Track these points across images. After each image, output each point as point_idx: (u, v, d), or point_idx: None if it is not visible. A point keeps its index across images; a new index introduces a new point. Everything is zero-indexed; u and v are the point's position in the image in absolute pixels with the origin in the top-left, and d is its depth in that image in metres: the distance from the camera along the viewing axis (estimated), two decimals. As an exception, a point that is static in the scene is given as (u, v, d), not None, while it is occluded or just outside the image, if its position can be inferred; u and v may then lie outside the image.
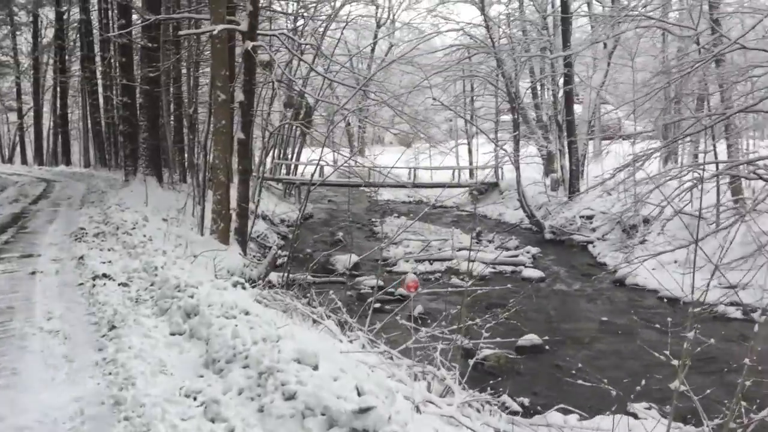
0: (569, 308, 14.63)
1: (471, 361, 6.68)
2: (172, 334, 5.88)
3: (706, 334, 12.22)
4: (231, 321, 5.45)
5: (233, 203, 13.78)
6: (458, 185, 33.52)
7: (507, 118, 37.96)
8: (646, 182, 14.25)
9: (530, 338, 11.56)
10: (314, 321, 8.13)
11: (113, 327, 6.04)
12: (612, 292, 16.04)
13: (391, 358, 6.07)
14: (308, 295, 8.74)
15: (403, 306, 9.33)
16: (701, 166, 14.69)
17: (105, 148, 34.08)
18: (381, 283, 16.76)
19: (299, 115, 22.13)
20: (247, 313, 5.79)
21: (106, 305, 6.85)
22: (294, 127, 29.10)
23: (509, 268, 18.35)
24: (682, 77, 12.29)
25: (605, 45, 24.35)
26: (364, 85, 12.41)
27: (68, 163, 38.59)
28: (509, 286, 11.26)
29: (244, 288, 7.72)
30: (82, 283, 8.15)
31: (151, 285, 7.60)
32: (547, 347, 11.50)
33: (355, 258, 18.54)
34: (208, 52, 24.73)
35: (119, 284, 7.86)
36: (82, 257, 9.64)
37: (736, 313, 13.64)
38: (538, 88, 32.30)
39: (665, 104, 13.77)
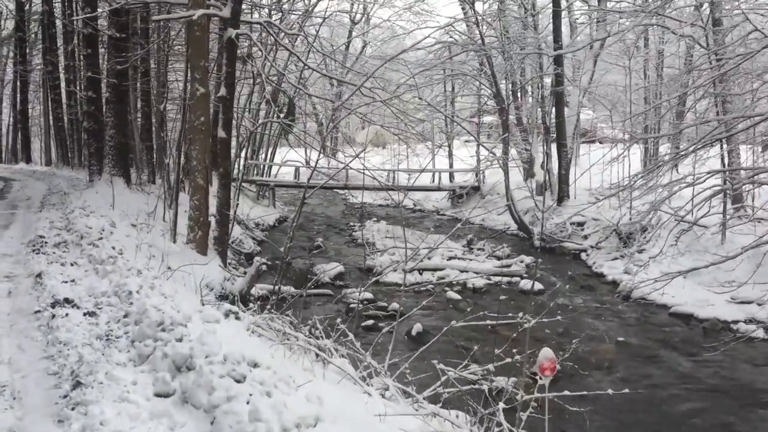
0: (579, 326, 13.45)
1: (524, 415, 5.45)
2: (158, 396, 4.51)
3: (733, 358, 11.10)
4: (242, 387, 4.10)
5: (212, 209, 12.41)
6: (438, 188, 32.41)
7: (488, 119, 37.04)
8: (661, 190, 13.20)
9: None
10: (318, 354, 6.84)
11: (78, 383, 4.64)
12: (619, 307, 14.96)
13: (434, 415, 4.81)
14: (309, 322, 7.42)
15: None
16: (719, 174, 13.71)
17: (67, 145, 32.39)
18: (369, 295, 15.61)
19: (281, 112, 20.73)
20: (255, 365, 4.48)
21: (69, 346, 5.45)
22: (270, 126, 27.65)
23: (505, 279, 17.21)
24: (721, 75, 11.23)
25: (591, 46, 23.34)
26: (365, 82, 11.23)
27: (28, 160, 36.77)
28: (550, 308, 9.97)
29: (237, 318, 6.39)
30: (39, 311, 6.70)
31: (125, 316, 6.19)
32: (565, 373, 10.34)
33: (340, 268, 17.32)
34: (179, 45, 23.41)
35: (85, 314, 6.44)
36: (40, 274, 8.17)
37: (757, 332, 12.65)
38: (518, 89, 31.31)
39: (693, 108, 12.67)
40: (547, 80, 28.45)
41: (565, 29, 32.77)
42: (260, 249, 21.25)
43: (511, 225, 25.80)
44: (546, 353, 4.36)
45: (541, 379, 4.64)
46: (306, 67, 18.53)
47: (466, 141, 37.75)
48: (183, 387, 4.36)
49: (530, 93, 31.74)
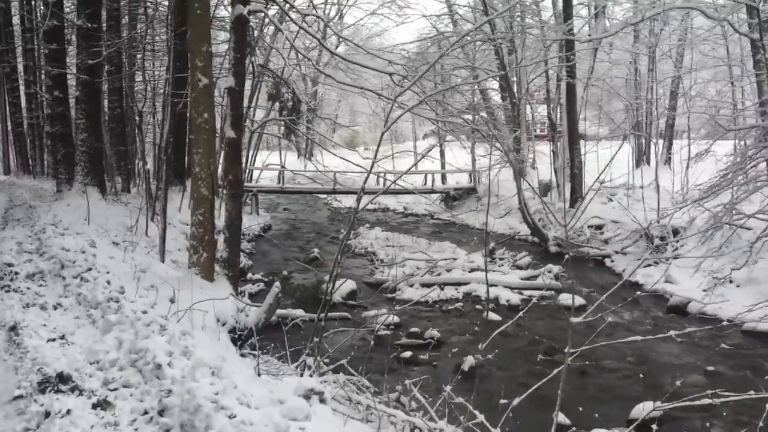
0: (648, 352, 11.54)
1: None
2: None
3: None
4: None
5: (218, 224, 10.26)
6: (432, 191, 30.49)
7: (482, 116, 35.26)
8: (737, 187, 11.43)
9: (644, 408, 8.44)
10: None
11: None
12: (677, 324, 13.08)
13: None
14: (398, 387, 5.37)
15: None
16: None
17: (28, 152, 29.95)
18: (395, 319, 13.44)
19: (282, 110, 18.55)
20: None
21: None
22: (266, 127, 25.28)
23: (537, 293, 15.26)
24: None
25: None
26: (418, 79, 9.34)
27: (-16, 170, 34.09)
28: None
29: (322, 400, 4.33)
30: (21, 396, 4.50)
31: (161, 413, 3.95)
32: (665, 418, 8.36)
33: (352, 285, 15.18)
34: (150, 42, 21.16)
35: (94, 405, 4.26)
36: (14, 327, 5.94)
37: None
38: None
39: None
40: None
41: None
42: (251, 263, 19.07)
43: (516, 228, 24.04)
44: None
45: None
46: (333, 55, 16.28)
47: (450, 140, 35.95)
48: None
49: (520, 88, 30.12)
